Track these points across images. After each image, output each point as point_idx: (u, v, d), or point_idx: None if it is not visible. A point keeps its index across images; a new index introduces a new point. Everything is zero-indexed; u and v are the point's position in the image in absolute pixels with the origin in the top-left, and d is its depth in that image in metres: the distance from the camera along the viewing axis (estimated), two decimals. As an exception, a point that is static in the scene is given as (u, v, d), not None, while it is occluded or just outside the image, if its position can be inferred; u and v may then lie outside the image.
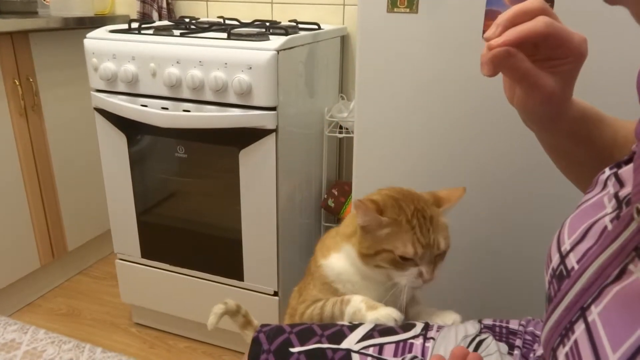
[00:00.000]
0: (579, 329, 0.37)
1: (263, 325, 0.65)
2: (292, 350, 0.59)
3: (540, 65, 0.48)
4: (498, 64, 0.46)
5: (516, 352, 0.59)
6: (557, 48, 0.47)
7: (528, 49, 0.47)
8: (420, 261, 0.67)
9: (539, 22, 0.46)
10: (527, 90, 0.49)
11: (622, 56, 0.92)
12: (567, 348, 0.38)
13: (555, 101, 0.49)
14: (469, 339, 0.61)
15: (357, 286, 0.72)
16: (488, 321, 0.66)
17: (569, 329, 0.38)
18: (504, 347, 0.60)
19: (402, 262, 0.67)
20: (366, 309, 0.68)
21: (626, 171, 0.41)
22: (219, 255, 1.45)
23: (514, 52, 0.45)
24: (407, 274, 0.67)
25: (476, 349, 0.59)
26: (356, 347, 0.60)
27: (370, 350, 0.60)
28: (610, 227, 0.38)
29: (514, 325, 0.64)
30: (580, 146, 0.56)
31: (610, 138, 0.55)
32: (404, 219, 0.67)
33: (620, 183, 0.41)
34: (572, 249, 0.41)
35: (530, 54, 0.47)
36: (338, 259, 0.73)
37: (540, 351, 0.58)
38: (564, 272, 0.41)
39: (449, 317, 0.67)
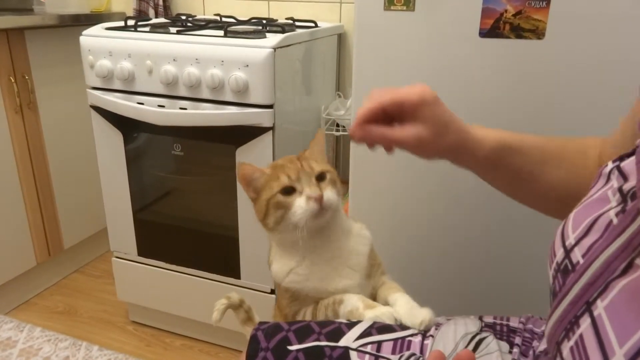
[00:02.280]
0: (585, 323, 0.37)
1: (261, 323, 0.65)
2: (290, 348, 0.59)
3: (398, 124, 0.58)
4: (358, 141, 0.59)
5: (515, 349, 0.59)
6: (399, 107, 0.57)
7: (381, 118, 0.58)
8: (300, 186, 0.67)
9: (371, 102, 0.58)
10: (395, 147, 0.59)
11: (620, 55, 0.92)
12: (572, 342, 0.38)
13: (430, 142, 0.57)
14: (469, 337, 0.61)
15: (302, 272, 0.71)
16: (489, 318, 0.66)
17: (574, 323, 0.38)
18: (504, 346, 0.60)
19: (286, 198, 0.66)
20: (364, 308, 0.67)
21: (629, 164, 0.41)
22: (216, 253, 1.45)
23: (368, 131, 0.58)
24: (297, 205, 0.66)
25: (476, 347, 0.59)
26: (354, 345, 0.60)
27: (369, 348, 0.60)
28: (615, 221, 0.38)
29: (514, 323, 0.65)
30: (497, 172, 0.63)
31: (535, 161, 0.61)
32: (272, 166, 0.71)
33: (624, 177, 0.41)
34: (576, 243, 0.41)
35: (385, 118, 0.58)
36: (274, 257, 0.75)
37: (541, 346, 0.58)
38: (569, 267, 0.41)
39: (418, 318, 0.64)
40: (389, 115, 0.58)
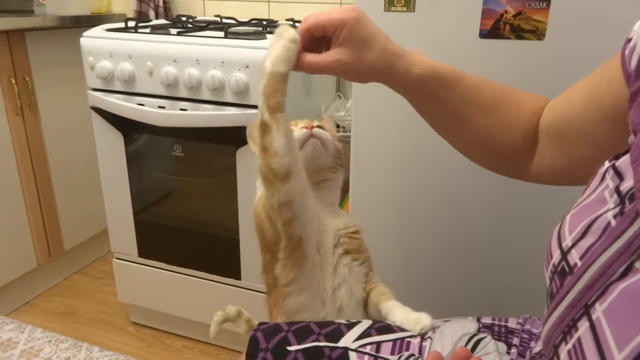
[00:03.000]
0: (583, 326, 0.37)
1: (260, 324, 0.65)
2: (290, 348, 0.59)
3: (327, 48, 0.61)
4: (294, 69, 0.61)
5: (513, 350, 0.59)
6: (324, 30, 0.60)
7: (310, 39, 0.61)
8: (297, 127, 0.72)
9: (300, 26, 0.61)
10: (324, 72, 0.61)
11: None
12: (569, 345, 0.38)
13: (352, 63, 0.59)
14: (467, 338, 0.61)
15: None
16: (487, 319, 0.66)
17: (572, 326, 0.38)
18: (502, 347, 0.60)
19: None
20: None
21: (624, 162, 0.40)
22: (216, 254, 1.45)
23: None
24: (297, 134, 0.71)
25: (474, 347, 0.59)
26: (353, 345, 0.60)
27: (368, 349, 0.60)
28: (614, 223, 0.38)
29: (512, 323, 0.64)
30: (426, 102, 0.64)
31: (468, 101, 0.63)
32: None
33: (620, 176, 0.40)
34: (573, 245, 0.40)
35: (316, 41, 0.61)
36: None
37: (537, 348, 0.58)
38: (566, 269, 0.40)
39: (419, 324, 0.64)
40: (320, 42, 0.61)
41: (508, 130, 0.63)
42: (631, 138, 0.42)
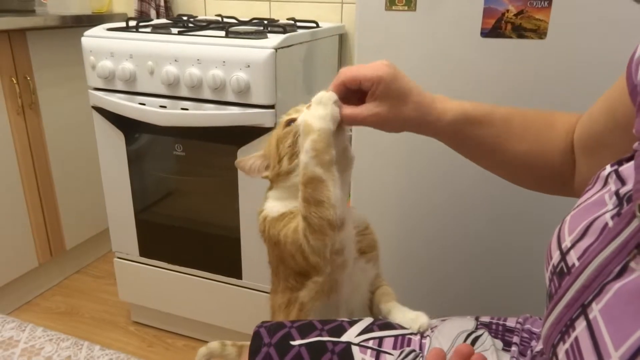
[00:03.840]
0: (580, 326, 0.37)
1: (264, 322, 0.65)
2: (293, 343, 0.60)
3: (362, 101, 0.63)
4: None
5: (514, 348, 0.59)
6: (360, 84, 0.62)
7: (350, 97, 0.64)
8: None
9: (336, 80, 0.64)
10: (359, 125, 0.64)
11: (622, 54, 0.92)
12: (567, 345, 0.38)
13: (388, 118, 0.62)
14: (465, 335, 0.61)
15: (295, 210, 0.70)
16: (485, 318, 0.66)
17: (570, 325, 0.38)
18: (498, 344, 0.60)
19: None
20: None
21: (627, 168, 0.41)
22: (218, 253, 1.45)
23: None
24: (300, 118, 0.68)
25: (472, 344, 0.60)
26: (356, 340, 0.61)
27: (370, 343, 0.61)
28: (611, 224, 0.38)
29: (511, 323, 0.65)
30: (460, 142, 0.67)
31: (501, 133, 0.64)
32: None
33: (622, 181, 0.41)
34: (572, 245, 0.41)
35: (353, 97, 0.64)
36: (269, 200, 0.75)
37: (538, 347, 0.58)
38: (565, 269, 0.41)
39: (416, 322, 0.65)
40: (355, 92, 0.63)
41: (544, 153, 0.65)
42: (636, 145, 0.42)
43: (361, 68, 0.62)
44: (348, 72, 0.62)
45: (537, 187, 0.70)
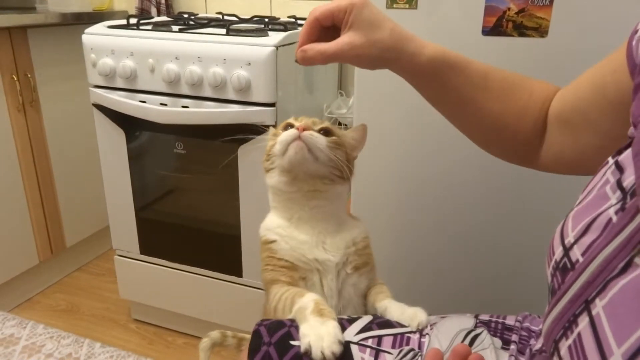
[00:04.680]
0: (583, 322, 0.37)
1: (263, 320, 0.65)
2: (293, 343, 0.60)
3: (335, 35, 0.61)
4: (307, 62, 0.62)
5: (512, 346, 0.59)
6: (333, 17, 0.61)
7: (320, 31, 0.62)
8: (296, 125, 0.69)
9: (308, 18, 0.62)
10: (335, 61, 0.62)
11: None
12: (570, 341, 0.38)
13: (364, 46, 0.59)
14: (464, 333, 0.61)
15: (286, 230, 0.71)
16: (484, 316, 0.66)
17: (573, 321, 0.38)
18: (497, 342, 0.60)
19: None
20: (310, 312, 0.60)
21: (626, 157, 0.40)
22: (218, 251, 1.45)
23: (305, 50, 0.61)
24: (282, 134, 0.68)
25: (471, 343, 0.60)
26: (355, 339, 0.61)
27: (369, 342, 0.60)
28: (615, 219, 0.38)
29: (510, 321, 0.65)
30: (436, 88, 0.64)
31: (477, 86, 0.63)
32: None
33: (620, 169, 0.40)
34: (576, 241, 0.41)
35: (325, 32, 0.62)
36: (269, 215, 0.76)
37: (537, 345, 0.58)
38: (568, 265, 0.41)
39: (415, 319, 0.64)
40: (327, 30, 0.62)
41: (518, 117, 0.63)
42: (631, 130, 0.42)
43: (333, 1, 0.61)
44: (320, 7, 0.61)
45: (503, 153, 0.69)
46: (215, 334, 0.85)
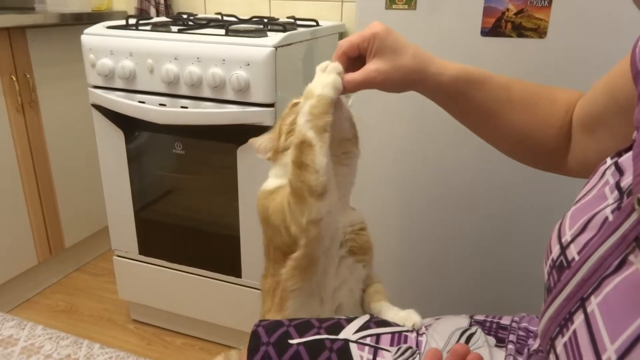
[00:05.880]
0: (578, 319, 0.37)
1: (261, 320, 0.65)
2: (291, 342, 0.60)
3: (362, 63, 0.65)
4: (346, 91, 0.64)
5: (510, 346, 0.60)
6: (358, 48, 0.64)
7: (348, 62, 0.66)
8: None
9: (336, 53, 0.66)
10: (363, 88, 0.65)
11: (622, 54, 0.92)
12: (565, 338, 0.38)
13: (390, 71, 0.62)
14: (459, 332, 0.62)
15: None
16: (479, 317, 0.66)
17: (568, 319, 0.39)
18: (491, 340, 0.61)
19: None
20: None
21: (626, 159, 0.41)
22: (217, 251, 1.45)
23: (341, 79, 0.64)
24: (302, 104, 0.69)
25: (466, 342, 0.60)
26: (354, 337, 0.61)
27: (368, 340, 0.61)
28: (611, 218, 0.38)
29: (505, 321, 0.65)
30: (460, 104, 0.66)
31: (500, 99, 0.65)
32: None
33: (620, 171, 0.41)
34: (572, 240, 0.41)
35: (352, 63, 0.65)
36: (269, 179, 0.76)
37: (535, 345, 0.59)
38: (564, 263, 0.41)
39: (409, 320, 0.66)
40: (355, 60, 0.65)
41: (541, 126, 0.65)
42: (635, 134, 0.42)
43: (356, 33, 0.64)
44: (345, 41, 0.64)
45: (529, 161, 0.71)
46: (234, 356, 0.86)
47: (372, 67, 0.62)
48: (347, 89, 0.64)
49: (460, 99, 0.65)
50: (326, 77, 0.63)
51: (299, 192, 0.63)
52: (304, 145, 0.62)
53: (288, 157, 0.68)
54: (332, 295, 0.71)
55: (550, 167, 0.69)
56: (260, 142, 0.77)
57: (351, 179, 0.76)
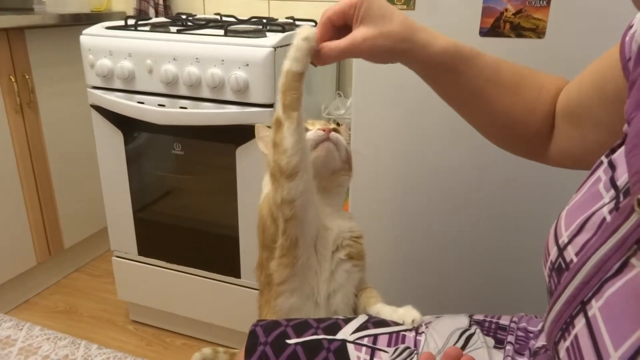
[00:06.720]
0: (580, 323, 0.36)
1: (259, 320, 0.65)
2: (289, 341, 0.60)
3: (347, 32, 0.62)
4: (321, 61, 0.63)
5: (508, 347, 0.59)
6: (344, 14, 0.61)
7: (333, 31, 0.63)
8: (313, 127, 0.74)
9: (321, 19, 0.63)
10: (350, 56, 0.62)
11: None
12: (567, 343, 0.38)
13: (376, 37, 0.59)
14: (459, 333, 0.61)
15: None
16: (478, 316, 0.66)
17: (570, 323, 0.38)
18: (490, 341, 0.60)
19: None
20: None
21: (619, 154, 0.40)
22: (216, 252, 1.45)
23: (319, 49, 0.62)
24: (308, 133, 0.71)
25: (466, 343, 0.60)
26: (351, 338, 0.61)
27: (365, 341, 0.61)
28: (609, 218, 0.38)
29: (504, 321, 0.65)
30: (448, 80, 0.64)
31: (490, 79, 0.63)
32: None
33: (612, 167, 0.40)
34: (570, 241, 0.40)
35: (338, 33, 0.62)
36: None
37: (539, 343, 0.58)
38: (563, 265, 0.40)
39: (408, 316, 0.65)
40: (340, 30, 0.62)
41: (528, 111, 0.63)
42: (625, 127, 0.42)
43: (339, 3, 0.62)
44: (331, 7, 0.62)
45: (512, 147, 0.69)
46: (207, 350, 0.86)
47: (358, 33, 0.60)
48: (332, 56, 0.61)
49: (448, 73, 0.63)
50: (291, 49, 0.62)
51: (273, 172, 0.64)
52: (276, 124, 0.63)
53: None
54: (327, 300, 0.71)
55: (532, 154, 0.67)
56: (267, 133, 0.77)
57: (343, 194, 0.78)
